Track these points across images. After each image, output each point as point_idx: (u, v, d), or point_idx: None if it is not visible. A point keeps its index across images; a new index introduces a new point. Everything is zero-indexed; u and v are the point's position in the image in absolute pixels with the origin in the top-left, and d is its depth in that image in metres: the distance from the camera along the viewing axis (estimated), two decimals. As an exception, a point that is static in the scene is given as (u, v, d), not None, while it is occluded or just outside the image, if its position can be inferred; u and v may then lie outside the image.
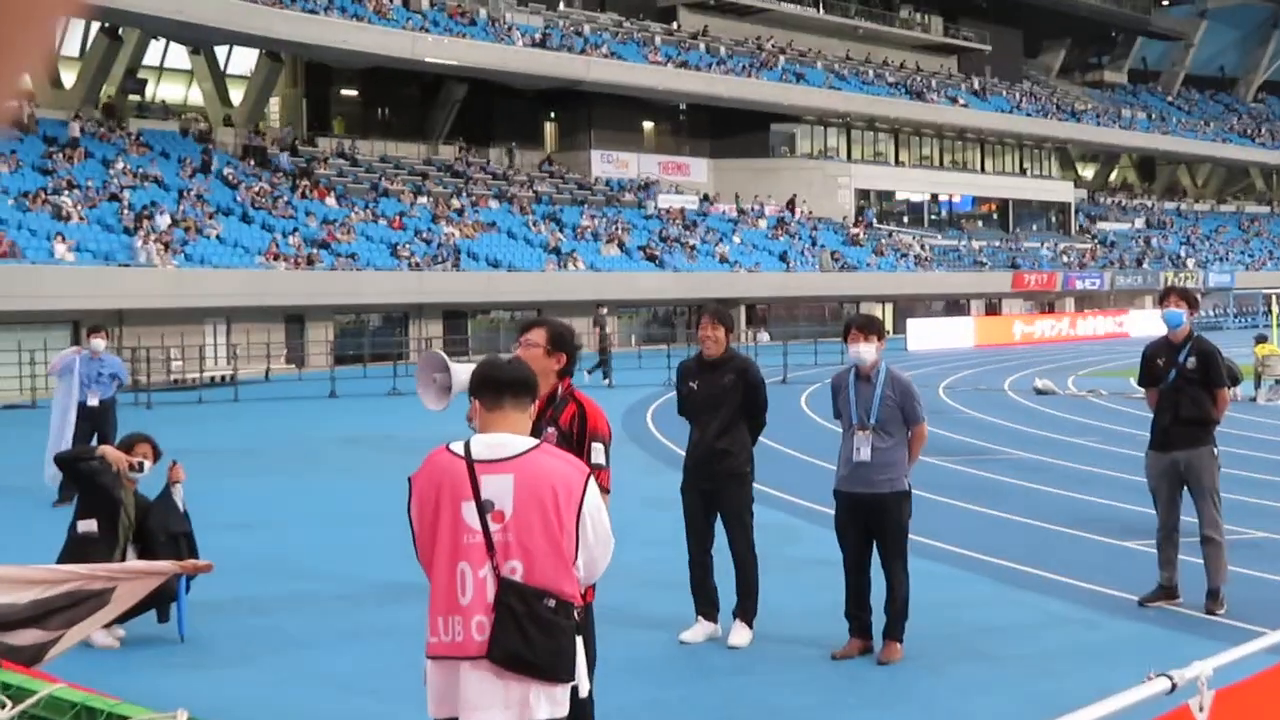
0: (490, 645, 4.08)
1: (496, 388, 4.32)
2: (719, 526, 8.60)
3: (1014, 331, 55.81)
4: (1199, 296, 9.85)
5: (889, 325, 61.54)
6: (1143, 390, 9.97)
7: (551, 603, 4.12)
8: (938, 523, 12.24)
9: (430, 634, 4.19)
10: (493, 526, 4.12)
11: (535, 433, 5.55)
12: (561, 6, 61.98)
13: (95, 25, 47.49)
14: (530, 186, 56.48)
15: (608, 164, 61.71)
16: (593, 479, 4.26)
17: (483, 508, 4.13)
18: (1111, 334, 57.91)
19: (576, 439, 5.66)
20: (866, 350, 8.23)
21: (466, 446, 4.21)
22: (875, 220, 69.24)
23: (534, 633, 4.08)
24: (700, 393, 8.48)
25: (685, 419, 8.74)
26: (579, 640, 4.27)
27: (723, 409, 8.38)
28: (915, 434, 8.19)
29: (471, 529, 4.14)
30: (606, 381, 32.50)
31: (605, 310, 36.83)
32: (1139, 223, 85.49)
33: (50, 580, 3.80)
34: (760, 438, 8.74)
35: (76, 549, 8.50)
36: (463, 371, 5.07)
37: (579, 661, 4.26)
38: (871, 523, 8.18)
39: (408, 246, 45.55)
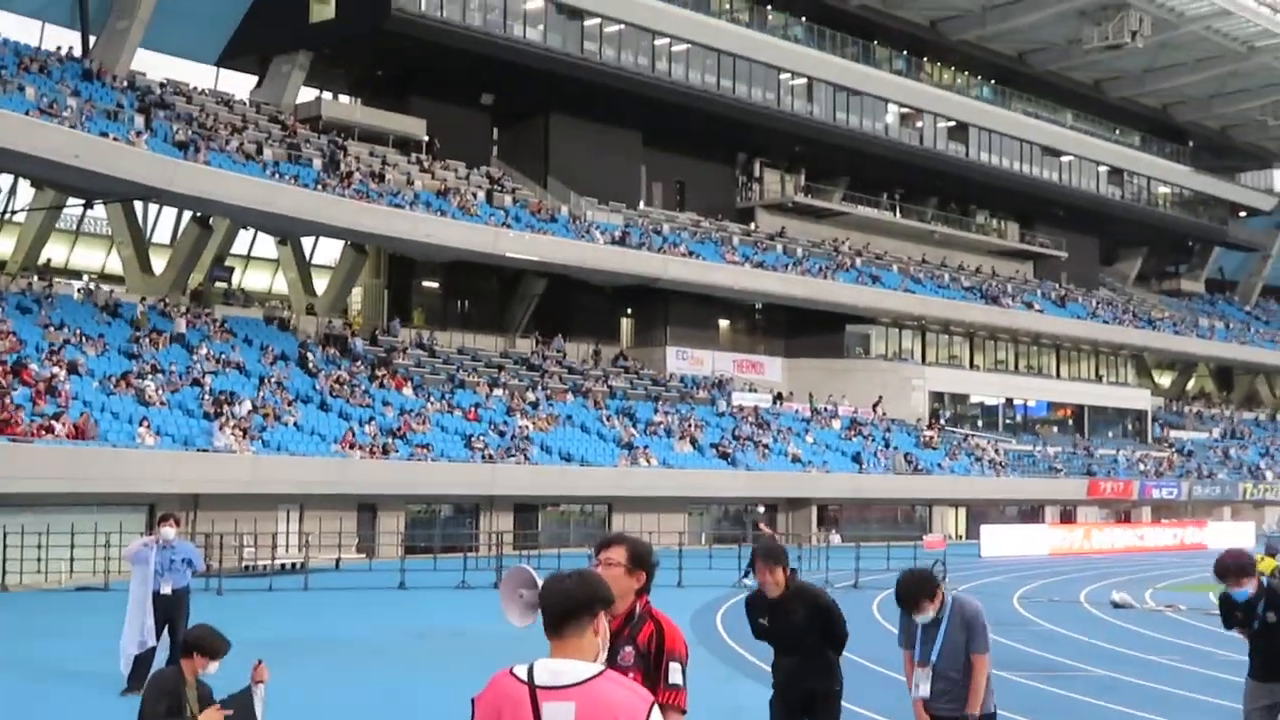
0: None
1: (552, 615, 4.30)
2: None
3: (1089, 540, 55.07)
4: (1253, 559, 9.67)
5: (961, 530, 61.02)
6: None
7: None
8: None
9: None
10: None
11: (613, 652, 5.53)
12: (641, 205, 63.07)
13: (187, 214, 48.81)
14: (605, 381, 56.89)
15: (682, 360, 62.13)
16: (656, 708, 4.17)
17: None
18: (1190, 545, 56.96)
19: (654, 658, 5.61)
20: (926, 617, 8.13)
21: (530, 671, 4.17)
22: (949, 423, 69.03)
23: None
24: (774, 627, 8.45)
25: (764, 641, 8.67)
26: None
27: (803, 645, 8.33)
28: (975, 665, 7.98)
29: None
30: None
31: (763, 510, 36.59)
32: (1217, 432, 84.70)
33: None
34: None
35: None
36: None
37: None
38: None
39: (482, 438, 45.86)
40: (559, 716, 4.07)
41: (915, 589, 8.16)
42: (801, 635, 8.28)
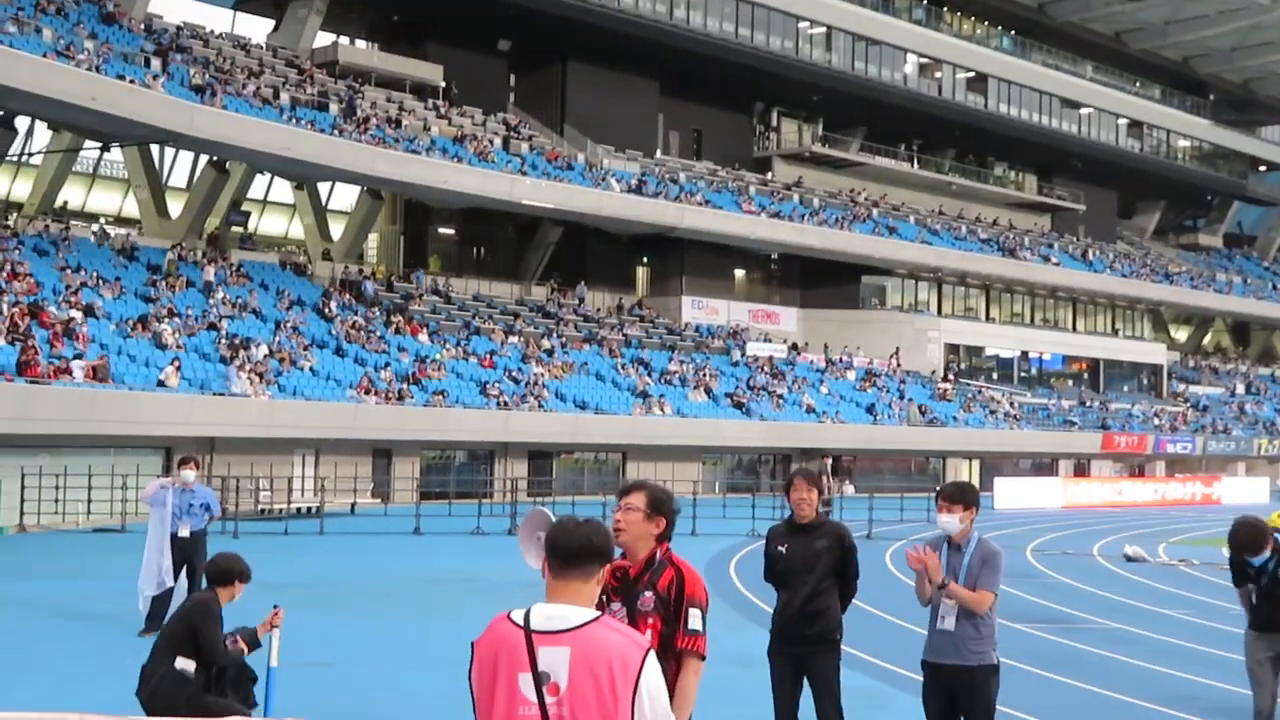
0: None
1: (564, 556, 4.29)
2: (806, 690, 8.51)
3: (1103, 494, 55.12)
4: (1266, 530, 9.76)
5: (975, 482, 61.06)
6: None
7: None
8: (1024, 695, 12.04)
9: None
10: (548, 699, 4.08)
11: (632, 596, 5.58)
12: (658, 154, 62.91)
13: (204, 158, 48.78)
14: (620, 330, 56.91)
15: (698, 310, 62.11)
16: (652, 654, 4.17)
17: (539, 679, 4.09)
18: (1204, 500, 56.99)
19: (674, 604, 5.67)
20: (950, 521, 8.09)
21: (526, 616, 4.19)
22: (964, 375, 69.00)
23: None
24: (791, 556, 8.41)
25: (772, 584, 8.66)
26: None
27: (814, 573, 8.32)
28: (979, 592, 7.96)
29: (527, 701, 4.10)
30: None
31: (829, 460, 36.68)
32: (1232, 387, 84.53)
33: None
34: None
35: (172, 685, 8.55)
36: None
37: None
38: (959, 696, 8.04)
39: (497, 385, 45.95)
40: (554, 661, 4.10)
41: (956, 489, 8.28)
42: (819, 558, 8.29)
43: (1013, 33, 75.39)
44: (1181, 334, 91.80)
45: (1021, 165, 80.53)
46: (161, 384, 35.86)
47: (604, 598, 5.50)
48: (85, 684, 11.48)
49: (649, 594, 5.66)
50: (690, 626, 5.62)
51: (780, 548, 8.51)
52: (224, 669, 8.93)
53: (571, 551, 4.30)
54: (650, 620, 5.59)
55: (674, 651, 5.62)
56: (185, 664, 8.72)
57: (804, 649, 8.39)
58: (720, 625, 16.87)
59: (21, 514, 31.24)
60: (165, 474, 30.17)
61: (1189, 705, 12.14)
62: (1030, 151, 77.71)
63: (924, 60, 70.13)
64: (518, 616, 4.20)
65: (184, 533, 15.30)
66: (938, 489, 8.50)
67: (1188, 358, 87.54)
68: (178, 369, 36.50)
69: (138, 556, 15.45)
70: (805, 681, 8.48)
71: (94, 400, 33.30)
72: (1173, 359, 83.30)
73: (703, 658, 5.66)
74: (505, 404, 45.26)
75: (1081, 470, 66.53)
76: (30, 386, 32.21)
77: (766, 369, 58.72)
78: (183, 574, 15.21)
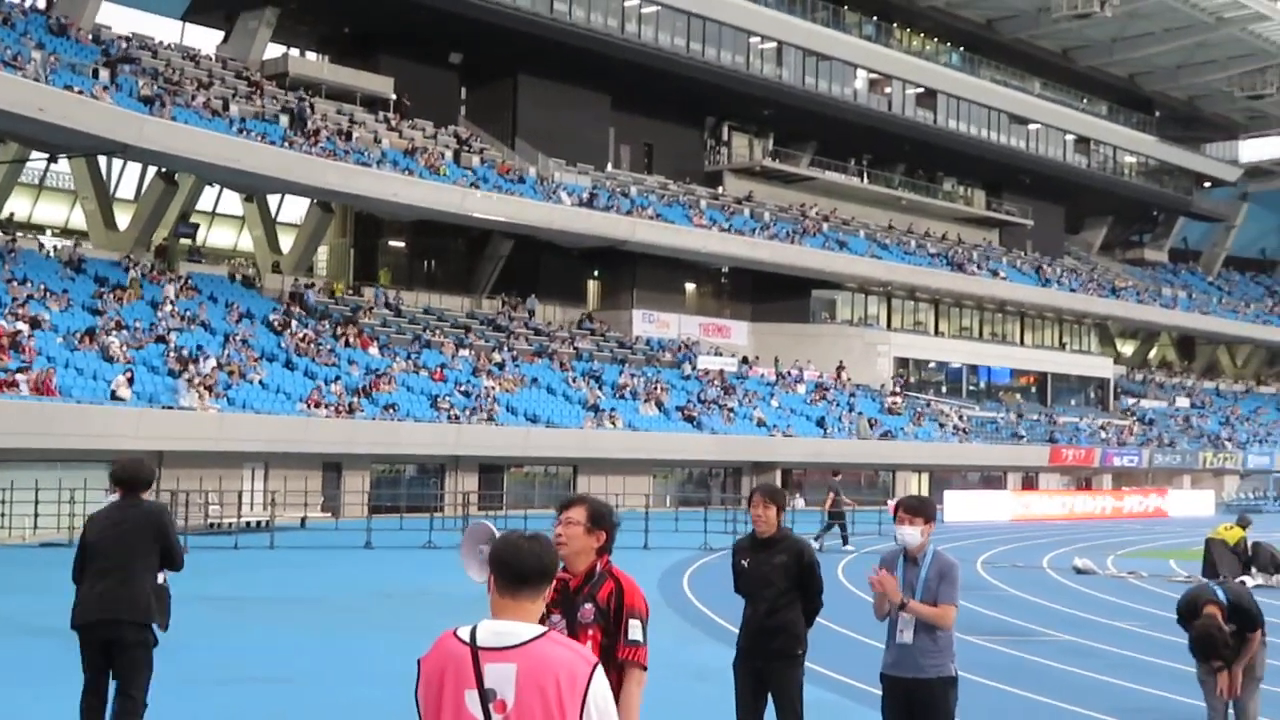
0: None
1: (513, 577, 4.25)
2: (769, 706, 8.50)
3: (1052, 507, 55.46)
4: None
5: (925, 494, 61.21)
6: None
7: None
8: (981, 707, 12.08)
9: None
10: (495, 717, 4.06)
11: (573, 609, 5.60)
12: (609, 168, 62.92)
13: (152, 170, 48.44)
14: (571, 343, 56.86)
15: (649, 324, 62.13)
16: (599, 670, 4.16)
17: (485, 696, 4.07)
18: (1151, 513, 57.42)
19: (614, 615, 5.74)
20: (912, 534, 8.11)
21: (473, 633, 4.16)
22: (914, 389, 69.28)
23: None
24: (751, 571, 8.44)
25: (742, 596, 8.68)
26: None
27: (771, 589, 8.32)
28: (940, 609, 7.99)
29: (473, 717, 4.08)
30: (847, 546, 32.90)
31: (840, 477, 37.01)
32: (1179, 401, 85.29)
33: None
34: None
35: (162, 597, 8.83)
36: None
37: None
38: (917, 708, 8.05)
39: (447, 399, 45.80)
40: (500, 678, 4.07)
41: (916, 502, 8.31)
42: (776, 574, 8.31)
43: (962, 49, 75.89)
44: (1128, 348, 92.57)
45: (971, 180, 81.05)
46: (114, 395, 35.55)
47: (544, 610, 5.51)
48: (34, 699, 11.33)
49: (589, 605, 5.73)
50: (630, 637, 5.69)
51: (743, 561, 8.53)
52: None
53: (522, 574, 4.25)
54: (590, 631, 5.63)
55: (615, 663, 5.67)
56: (160, 575, 8.86)
57: (766, 663, 8.39)
58: (675, 639, 16.89)
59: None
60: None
61: (1143, 716, 12.22)
62: (979, 167, 78.23)
63: (874, 76, 70.47)
64: (464, 633, 4.17)
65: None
66: (896, 501, 8.51)
67: (1134, 371, 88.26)
68: (129, 380, 36.20)
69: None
70: (768, 695, 8.48)
71: (41, 413, 32.98)
72: (1119, 373, 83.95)
73: (644, 668, 5.72)
74: (456, 417, 45.11)
75: (1030, 483, 66.89)
76: (-25, 400, 31.87)
77: (718, 383, 58.78)
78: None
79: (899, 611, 8.03)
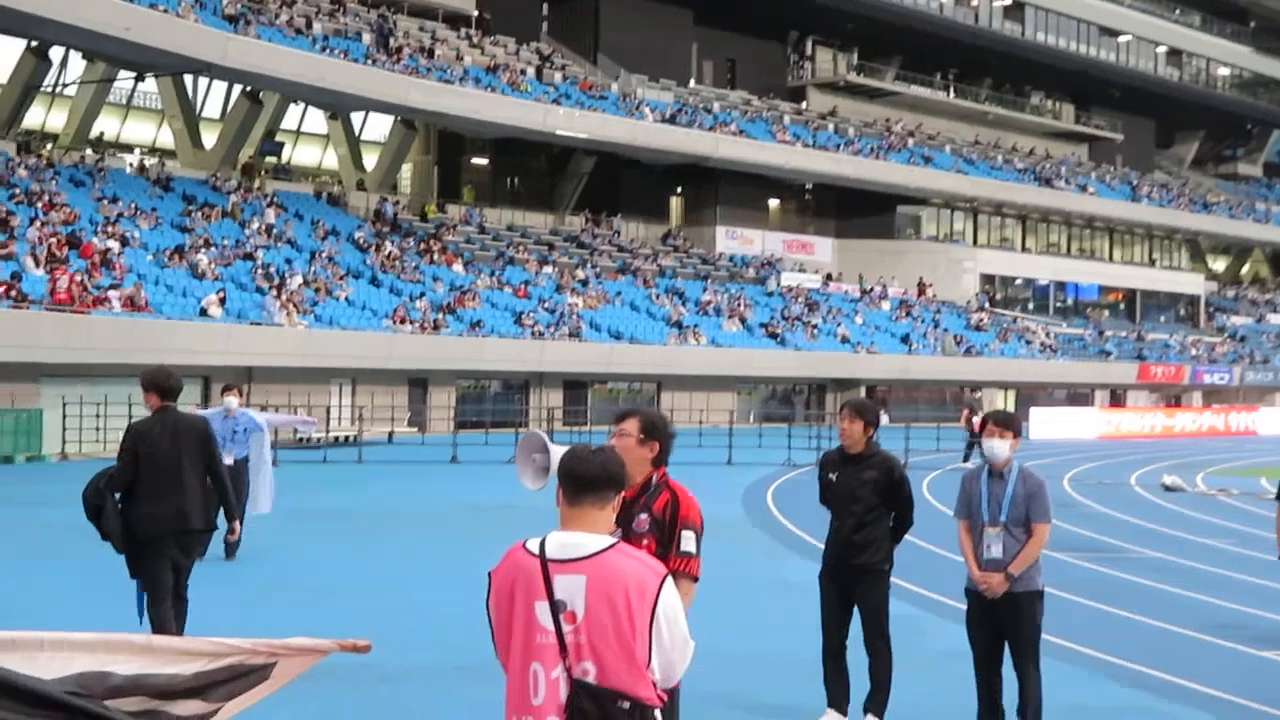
0: None
1: (577, 483, 4.23)
2: (854, 619, 8.49)
3: (1139, 425, 54.91)
4: None
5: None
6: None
7: (626, 704, 4.03)
8: (1068, 623, 12.00)
9: None
10: (565, 627, 4.05)
11: (628, 520, 5.59)
12: (692, 84, 62.49)
13: (237, 88, 48.69)
14: (655, 260, 56.78)
15: (732, 240, 61.90)
16: (669, 580, 4.15)
17: (555, 608, 4.06)
18: (1241, 431, 56.71)
19: (669, 526, 5.72)
20: (1001, 447, 8.04)
21: (542, 544, 4.15)
22: (1000, 305, 68.66)
23: None
24: (839, 486, 8.38)
25: (826, 509, 8.64)
26: None
27: (860, 504, 8.27)
28: (1035, 532, 7.95)
29: (544, 629, 4.08)
30: (966, 463, 32.91)
31: (978, 394, 36.81)
32: (1270, 318, 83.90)
33: (214, 653, 3.84)
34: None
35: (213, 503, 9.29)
36: (560, 453, 5.09)
37: None
38: (1004, 623, 8.01)
39: (531, 315, 45.93)
40: (570, 589, 4.06)
41: (1004, 416, 8.24)
42: (864, 489, 8.25)
43: (1051, -41, 74.42)
44: (1219, 264, 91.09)
45: (1059, 94, 79.71)
46: (204, 313, 35.97)
47: None
48: (122, 609, 11.53)
49: (644, 516, 5.72)
50: (683, 548, 5.67)
51: (831, 475, 8.47)
52: None
53: (586, 479, 4.23)
54: (645, 542, 5.62)
55: (669, 574, 5.64)
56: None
57: (852, 577, 8.37)
58: (758, 553, 16.94)
59: (63, 442, 31.49)
60: (204, 405, 30.42)
61: (1232, 633, 12.08)
62: (1067, 80, 76.88)
63: (961, -13, 69.35)
64: (533, 545, 4.17)
65: (228, 460, 15.25)
66: (984, 416, 8.43)
67: (1225, 288, 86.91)
68: (221, 300, 36.59)
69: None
70: (853, 609, 8.47)
71: (132, 329, 33.42)
72: (1210, 289, 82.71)
73: (695, 579, 5.71)
74: (540, 334, 45.27)
75: (1117, 401, 66.23)
76: (70, 316, 32.36)
77: (801, 299, 58.53)
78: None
79: (986, 526, 7.98)
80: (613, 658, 4.04)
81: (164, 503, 8.85)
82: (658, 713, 4.15)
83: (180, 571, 9.11)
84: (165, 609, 8.95)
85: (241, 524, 15.05)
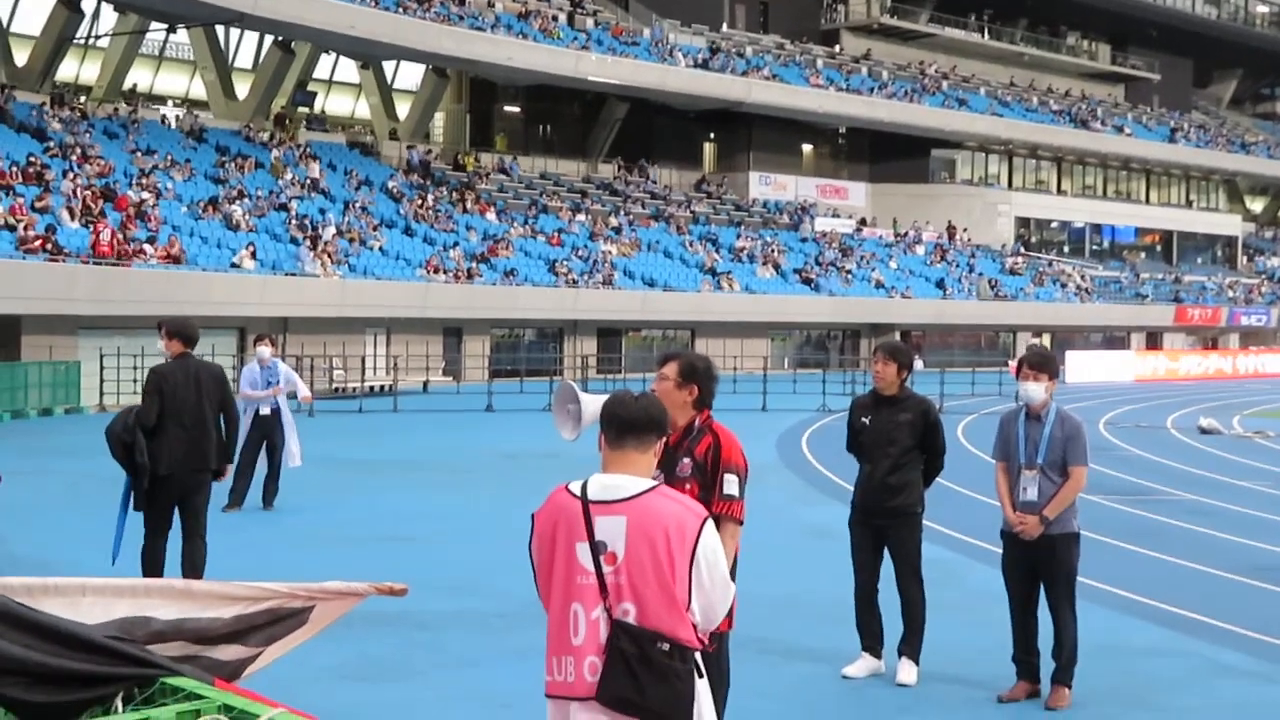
0: (599, 686, 4.06)
1: (619, 426, 4.28)
2: (886, 562, 8.51)
3: (1176, 367, 54.63)
4: None
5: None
6: None
7: (666, 646, 4.07)
8: (1103, 565, 12.00)
9: (547, 673, 4.21)
10: (605, 568, 4.10)
11: (671, 463, 5.60)
12: (725, 28, 62.13)
13: (269, 38, 48.68)
14: (688, 206, 56.65)
15: (765, 186, 61.68)
16: (709, 523, 4.18)
17: (596, 549, 4.11)
18: (1278, 373, 56.35)
19: (711, 470, 5.70)
20: (1036, 389, 8.02)
21: (584, 486, 4.20)
22: (1035, 249, 68.29)
23: (645, 676, 4.04)
24: (873, 429, 8.36)
25: (853, 455, 8.63)
26: (701, 684, 4.21)
27: (895, 446, 8.26)
28: (1071, 475, 7.94)
29: (585, 570, 4.12)
30: None
31: (1039, 340, 36.66)
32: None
33: (252, 597, 3.89)
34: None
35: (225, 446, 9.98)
36: (592, 402, 5.12)
37: (701, 706, 4.19)
38: (1039, 565, 8.02)
39: (565, 263, 45.94)
40: (610, 530, 4.11)
41: (1041, 357, 8.20)
42: (899, 432, 8.24)
43: (1087, -104, 73.52)
44: (1257, 205, 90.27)
45: (1094, 34, 78.89)
46: (235, 266, 36.11)
47: None
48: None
49: (686, 460, 5.71)
50: (726, 491, 5.66)
51: (864, 419, 8.45)
52: None
53: (628, 422, 4.29)
54: (687, 486, 5.62)
55: (710, 517, 5.65)
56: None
57: (885, 521, 8.37)
58: (793, 498, 16.98)
59: (101, 394, 31.72)
60: (240, 354, 30.61)
61: (1269, 575, 12.06)
62: (1103, 20, 76.07)
63: (995, -74, 68.66)
64: (575, 487, 4.22)
65: (264, 410, 15.38)
66: (1020, 358, 8.41)
67: (1263, 229, 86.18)
68: (253, 253, 36.70)
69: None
70: (885, 553, 8.48)
71: (168, 281, 33.59)
72: (1248, 230, 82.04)
73: (740, 522, 5.70)
74: (574, 282, 45.27)
75: (1154, 343, 65.89)
76: (107, 269, 32.55)
77: (835, 244, 58.35)
78: (261, 452, 15.36)
79: (1023, 469, 7.98)
80: (652, 598, 4.08)
81: (184, 441, 9.49)
82: (698, 655, 4.19)
83: (198, 512, 9.78)
84: (162, 542, 9.66)
85: (280, 476, 15.38)
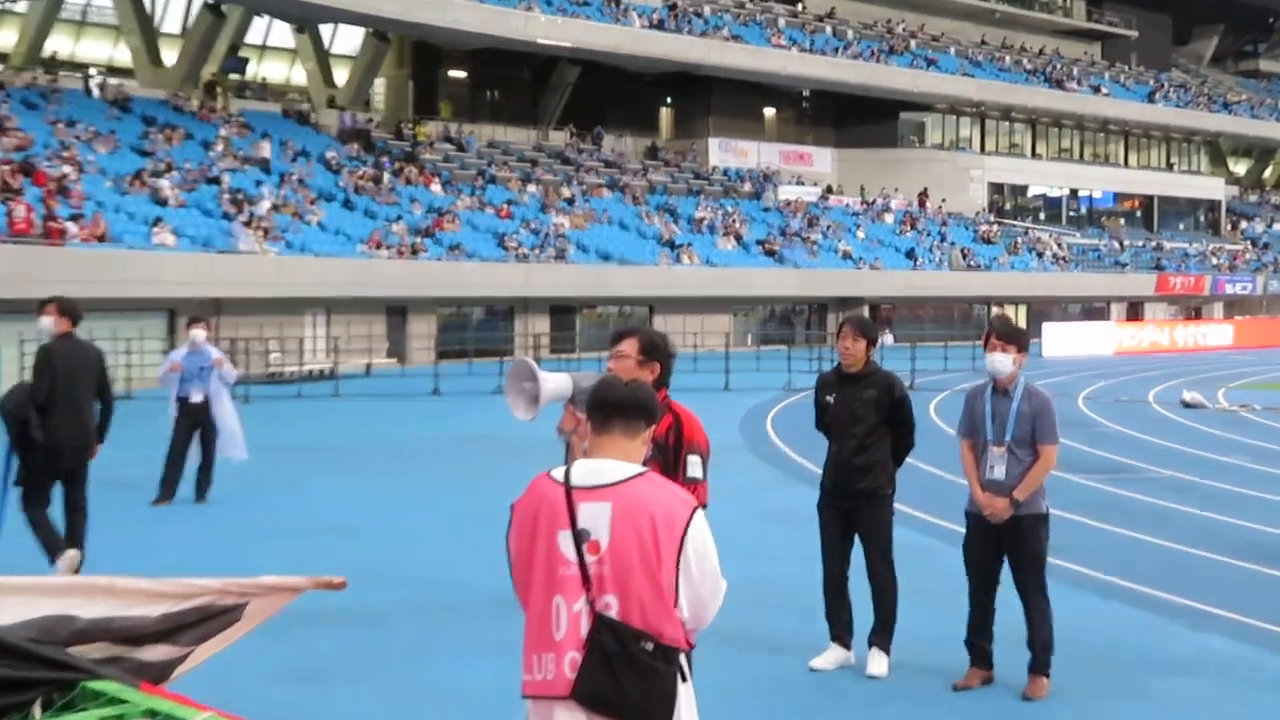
0: (576, 683, 4.03)
1: (606, 410, 4.28)
2: (856, 546, 8.54)
3: (1158, 338, 55.01)
4: None
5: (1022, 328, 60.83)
6: None
7: (650, 645, 4.05)
8: (1079, 546, 12.10)
9: (524, 672, 4.16)
10: (588, 558, 4.07)
11: None
12: (681, -14, 62.05)
13: (198, 1, 48.32)
14: (644, 175, 56.61)
15: (726, 153, 61.69)
16: (700, 513, 4.17)
17: (578, 537, 4.08)
18: (1265, 343, 56.78)
19: (673, 451, 5.66)
20: (1003, 361, 8.03)
21: (567, 473, 4.19)
22: (1009, 216, 68.58)
23: (626, 675, 4.02)
24: (838, 407, 8.38)
25: (822, 434, 8.66)
26: (685, 689, 4.19)
27: (860, 425, 8.28)
28: (1041, 454, 7.96)
29: (567, 560, 4.09)
30: None
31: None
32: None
33: (182, 594, 3.87)
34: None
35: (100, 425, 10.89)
36: (550, 381, 5.09)
37: (682, 712, 4.17)
38: (1006, 547, 8.06)
39: (515, 237, 45.84)
40: (594, 517, 4.09)
41: (1007, 329, 8.28)
42: (865, 409, 8.25)
43: None
44: (1241, 167, 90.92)
45: (1070, -11, 79.26)
46: (155, 242, 35.80)
47: None
48: (95, 549, 11.62)
49: None
50: (689, 474, 5.59)
51: (828, 397, 8.47)
52: None
53: (614, 404, 4.29)
54: (647, 467, 5.61)
55: (701, 507, 5.62)
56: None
57: (854, 503, 8.39)
58: (757, 481, 17.03)
59: (21, 380, 31.43)
60: (170, 338, 30.40)
61: (1252, 553, 12.18)
62: (1079, -27, 76.42)
63: (965, -123, 68.76)
64: (558, 474, 4.21)
65: (196, 398, 15.20)
66: (986, 329, 8.43)
67: (1247, 192, 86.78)
68: (172, 230, 36.25)
69: (143, 422, 15.54)
70: (855, 537, 8.51)
71: (93, 261, 33.29)
72: (1231, 194, 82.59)
73: (704, 506, 5.66)
74: (524, 256, 45.18)
75: (1135, 314, 66.28)
76: (26, 248, 32.24)
77: (800, 214, 58.43)
78: (194, 440, 15.26)
79: (990, 446, 8.02)
80: (638, 590, 4.05)
81: (70, 417, 10.55)
82: (683, 658, 4.18)
83: (81, 484, 10.86)
84: (45, 510, 10.59)
85: (213, 467, 15.32)
